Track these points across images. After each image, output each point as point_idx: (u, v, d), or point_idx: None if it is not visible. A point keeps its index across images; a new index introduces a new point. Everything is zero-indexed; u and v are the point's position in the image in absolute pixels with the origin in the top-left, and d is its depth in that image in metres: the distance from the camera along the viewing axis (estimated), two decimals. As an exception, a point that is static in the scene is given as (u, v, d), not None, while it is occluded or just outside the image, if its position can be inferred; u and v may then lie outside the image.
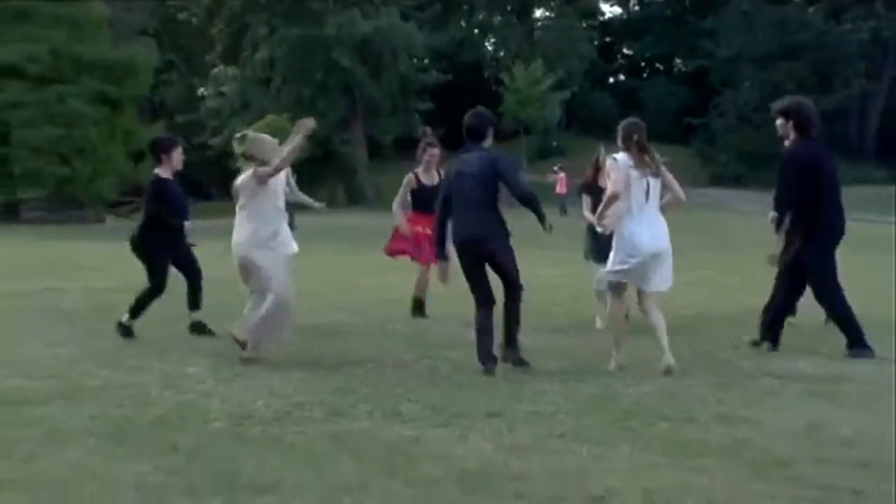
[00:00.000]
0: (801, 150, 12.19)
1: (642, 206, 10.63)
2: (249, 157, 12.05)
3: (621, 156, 10.70)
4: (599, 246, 13.84)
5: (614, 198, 10.50)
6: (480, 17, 76.82)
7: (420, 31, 62.28)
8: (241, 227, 11.75)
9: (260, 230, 11.60)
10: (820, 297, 12.22)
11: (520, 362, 11.00)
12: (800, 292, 12.59)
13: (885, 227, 37.65)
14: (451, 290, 12.88)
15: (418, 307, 15.69)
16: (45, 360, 11.67)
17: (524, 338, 11.73)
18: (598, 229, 11.68)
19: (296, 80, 58.98)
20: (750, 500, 6.36)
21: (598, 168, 15.01)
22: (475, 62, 69.47)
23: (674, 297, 14.07)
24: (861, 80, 64.09)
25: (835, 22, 64.77)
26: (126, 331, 13.42)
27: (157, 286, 13.57)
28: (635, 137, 10.59)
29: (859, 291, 14.11)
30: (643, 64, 79.24)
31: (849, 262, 14.68)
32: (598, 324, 13.87)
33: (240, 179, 12.03)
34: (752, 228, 30.12)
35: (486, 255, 11.05)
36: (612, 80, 75.02)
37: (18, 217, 50.30)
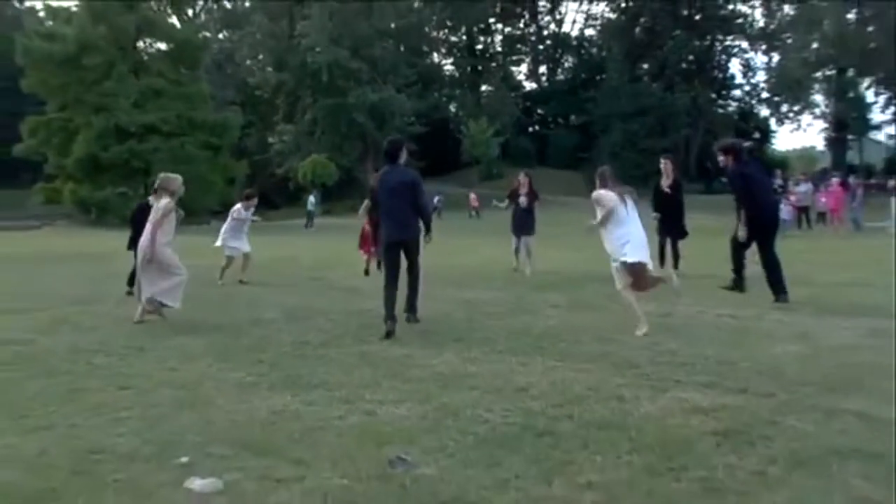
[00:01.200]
0: (741, 169, 13.24)
1: (627, 217, 11.14)
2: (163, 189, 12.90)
3: (605, 191, 11.15)
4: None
5: (611, 212, 10.89)
6: (446, 91, 78.76)
7: (408, 99, 64.65)
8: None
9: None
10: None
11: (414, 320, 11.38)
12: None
13: (697, 222, 37.91)
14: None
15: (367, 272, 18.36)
16: (176, 309, 12.25)
17: (474, 293, 13.09)
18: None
19: (329, 131, 61.76)
20: (613, 388, 7.32)
21: (518, 184, 17.93)
22: (443, 119, 71.48)
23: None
24: (686, 129, 67.18)
25: (670, 92, 67.82)
26: None
27: None
28: (608, 180, 11.32)
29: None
30: (550, 119, 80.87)
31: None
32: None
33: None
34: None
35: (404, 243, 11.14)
36: (530, 129, 76.48)
37: None
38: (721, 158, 13.64)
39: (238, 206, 18.75)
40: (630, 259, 10.74)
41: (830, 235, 29.92)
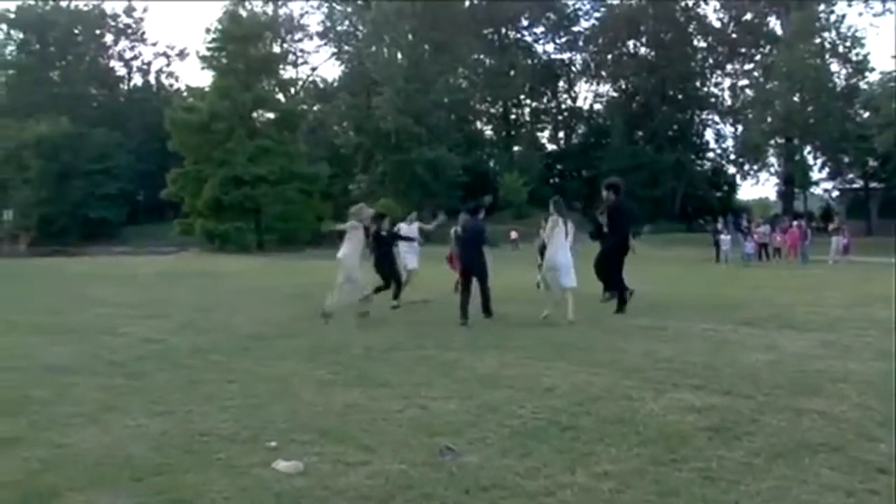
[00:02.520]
0: (621, 204, 13.53)
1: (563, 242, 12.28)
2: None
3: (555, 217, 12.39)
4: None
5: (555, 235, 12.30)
6: (486, 150, 78.69)
7: (457, 156, 64.68)
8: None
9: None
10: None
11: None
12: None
13: (679, 254, 38.11)
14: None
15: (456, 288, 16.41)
16: (275, 318, 12.43)
17: (510, 308, 12.47)
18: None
19: (396, 181, 61.77)
20: (623, 389, 6.87)
21: (542, 225, 16.99)
22: (484, 172, 71.32)
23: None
24: (672, 181, 66.62)
25: (659, 153, 67.57)
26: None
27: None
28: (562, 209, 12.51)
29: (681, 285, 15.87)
30: (566, 173, 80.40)
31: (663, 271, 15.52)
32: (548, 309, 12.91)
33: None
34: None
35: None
36: (550, 181, 76.00)
37: (263, 249, 53.16)
38: (605, 193, 13.71)
39: (402, 225, 16.58)
40: (564, 284, 12.22)
41: (785, 266, 29.21)
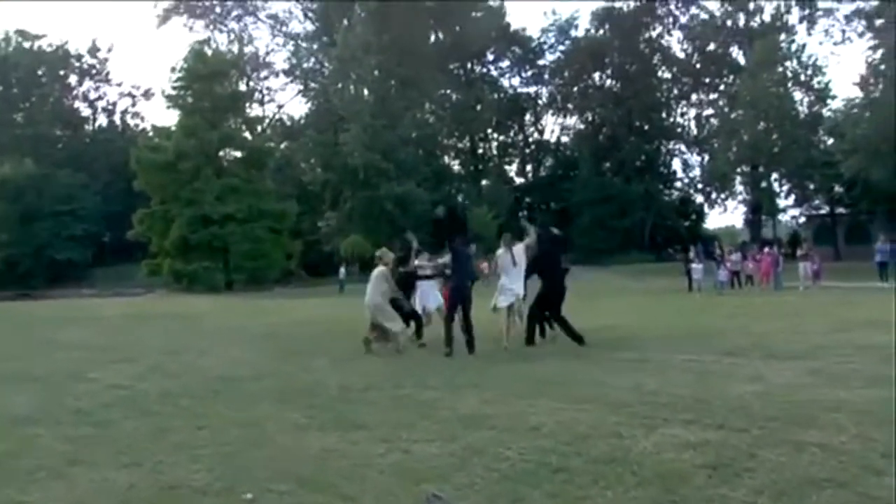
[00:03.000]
0: (546, 251, 13.61)
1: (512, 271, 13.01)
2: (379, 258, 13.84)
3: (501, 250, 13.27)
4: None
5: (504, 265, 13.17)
6: (455, 184, 78.60)
7: (426, 192, 64.64)
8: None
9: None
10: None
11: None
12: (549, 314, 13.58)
13: (650, 283, 38.10)
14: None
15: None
16: (245, 359, 11.83)
17: (484, 344, 12.21)
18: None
19: (365, 216, 61.41)
20: (611, 426, 6.60)
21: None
22: (452, 206, 71.23)
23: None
24: (641, 212, 67.05)
25: (627, 184, 68.22)
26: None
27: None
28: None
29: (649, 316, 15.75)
30: (535, 205, 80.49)
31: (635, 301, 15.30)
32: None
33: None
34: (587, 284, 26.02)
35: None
36: (519, 213, 76.03)
37: (232, 289, 52.86)
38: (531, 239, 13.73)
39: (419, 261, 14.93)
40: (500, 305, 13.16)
41: (758, 293, 29.19)
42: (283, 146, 75.12)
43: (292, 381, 10.05)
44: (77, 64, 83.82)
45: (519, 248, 13.29)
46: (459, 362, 11.41)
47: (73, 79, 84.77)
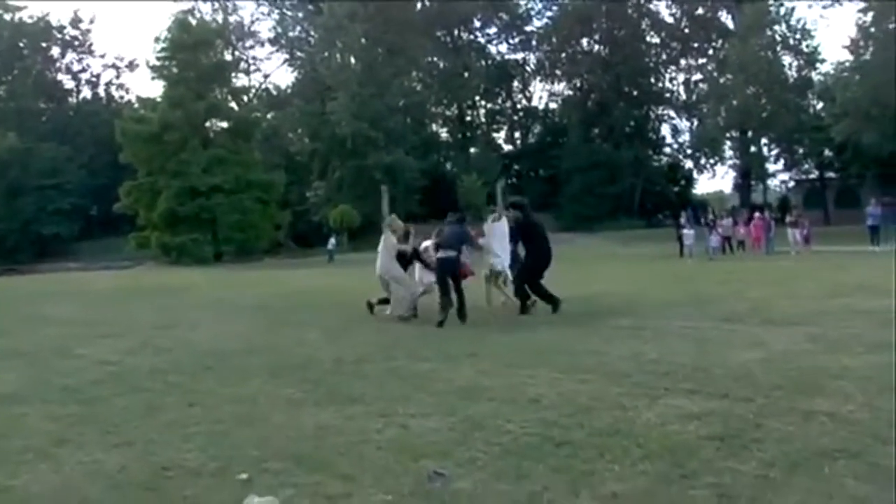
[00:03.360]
0: (528, 221, 13.68)
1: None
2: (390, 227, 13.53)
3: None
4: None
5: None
6: (443, 153, 78.45)
7: (414, 160, 64.34)
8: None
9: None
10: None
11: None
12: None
13: (640, 250, 38.12)
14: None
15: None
16: (236, 333, 11.62)
17: (479, 313, 12.03)
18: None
19: (353, 186, 60.95)
20: (613, 397, 6.44)
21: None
22: (442, 174, 71.07)
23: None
24: (630, 178, 66.64)
25: (617, 150, 67.85)
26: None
27: None
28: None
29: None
30: (524, 172, 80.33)
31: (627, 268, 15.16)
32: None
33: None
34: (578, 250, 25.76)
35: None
36: (508, 181, 75.82)
37: (221, 260, 52.72)
38: (511, 213, 13.68)
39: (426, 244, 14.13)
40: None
41: (751, 258, 29.12)
42: (269, 116, 74.54)
43: (285, 354, 9.87)
44: (59, 36, 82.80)
45: (504, 222, 13.50)
46: (452, 332, 11.25)
47: (55, 51, 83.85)
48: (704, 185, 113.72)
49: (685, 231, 31.63)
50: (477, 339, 10.36)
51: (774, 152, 64.97)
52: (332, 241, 49.42)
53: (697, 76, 73.16)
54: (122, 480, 4.88)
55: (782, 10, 59.16)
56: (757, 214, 35.28)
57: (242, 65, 77.33)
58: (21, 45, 79.93)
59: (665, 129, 77.24)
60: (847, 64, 48.64)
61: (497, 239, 13.40)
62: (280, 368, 8.77)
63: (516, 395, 6.73)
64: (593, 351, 8.98)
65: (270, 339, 11.45)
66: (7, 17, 78.81)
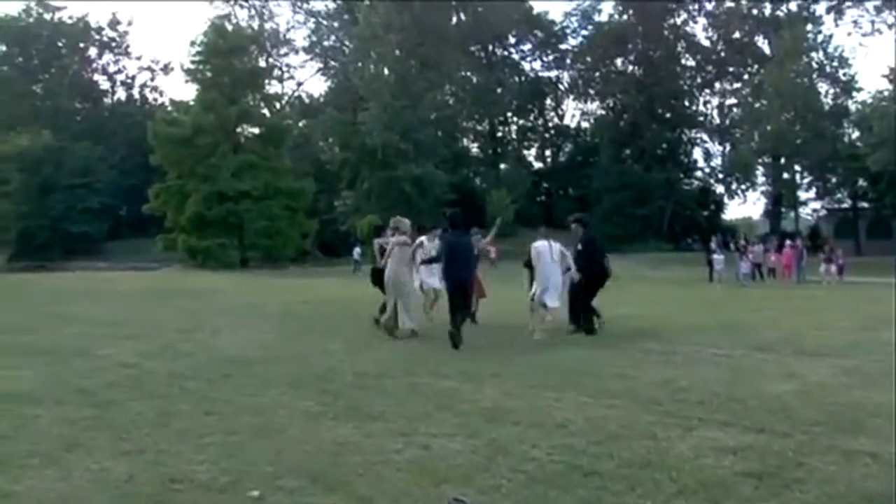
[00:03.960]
0: (590, 237, 13.63)
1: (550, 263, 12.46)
2: (395, 229, 13.02)
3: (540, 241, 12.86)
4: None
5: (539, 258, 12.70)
6: (473, 167, 78.44)
7: (444, 174, 64.25)
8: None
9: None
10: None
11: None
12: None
13: (669, 273, 37.88)
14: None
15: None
16: (259, 340, 11.94)
17: (502, 331, 11.88)
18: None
19: (382, 197, 60.75)
20: (644, 426, 6.21)
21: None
22: (471, 189, 70.86)
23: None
24: (660, 200, 65.73)
25: (647, 172, 67.01)
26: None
27: None
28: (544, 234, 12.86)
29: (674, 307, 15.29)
30: (553, 191, 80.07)
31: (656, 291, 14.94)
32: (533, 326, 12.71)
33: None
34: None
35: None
36: (537, 199, 75.57)
37: (247, 266, 52.77)
38: (573, 226, 13.80)
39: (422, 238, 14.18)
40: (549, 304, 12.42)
41: (782, 286, 28.67)
42: (301, 124, 74.74)
43: (306, 364, 9.68)
44: (97, 37, 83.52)
45: (558, 247, 13.03)
46: (475, 351, 10.94)
47: (92, 51, 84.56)
48: (734, 210, 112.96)
49: (715, 256, 31.19)
50: (501, 359, 10.09)
51: (807, 180, 64.21)
52: (357, 250, 49.28)
53: (732, 100, 72.53)
54: (129, 491, 4.68)
55: (820, 38, 58.80)
56: (788, 242, 34.82)
57: (276, 72, 77.61)
58: (60, 44, 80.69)
59: (697, 153, 76.56)
60: (885, 93, 48.07)
61: (551, 261, 12.94)
62: (300, 379, 8.58)
63: (542, 419, 6.47)
64: (621, 375, 8.70)
65: (292, 348, 11.26)
66: (47, 16, 79.60)
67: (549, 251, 12.73)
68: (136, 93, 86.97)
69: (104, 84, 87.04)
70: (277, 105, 71.73)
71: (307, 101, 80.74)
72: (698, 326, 13.92)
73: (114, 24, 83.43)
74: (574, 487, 4.67)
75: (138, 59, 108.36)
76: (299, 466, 5.15)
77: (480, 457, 5.36)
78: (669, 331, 13.15)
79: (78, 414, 6.77)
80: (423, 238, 13.87)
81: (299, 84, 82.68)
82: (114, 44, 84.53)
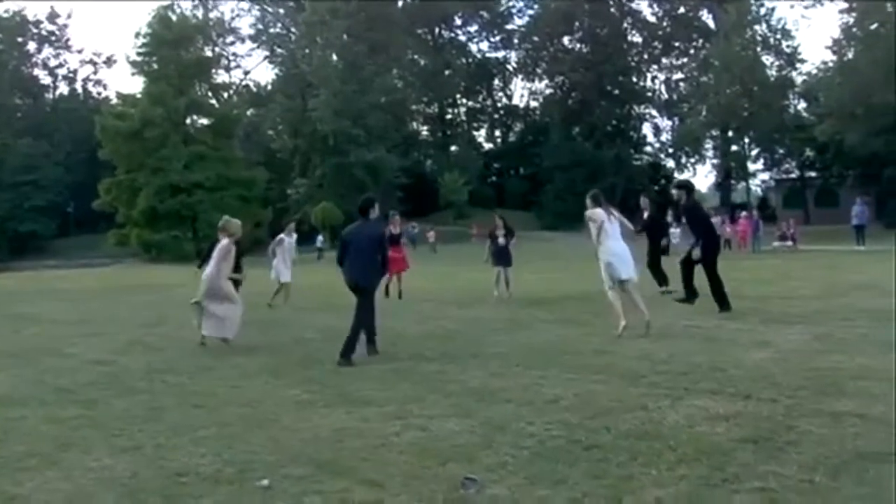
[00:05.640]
0: (695, 203, 12.74)
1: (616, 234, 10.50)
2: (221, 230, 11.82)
3: (598, 210, 10.45)
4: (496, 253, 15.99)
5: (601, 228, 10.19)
6: (425, 151, 78.59)
7: (395, 158, 64.18)
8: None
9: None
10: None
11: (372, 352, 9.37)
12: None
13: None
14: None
15: (387, 293, 16.36)
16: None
17: (473, 312, 11.98)
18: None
19: (335, 184, 60.60)
20: (634, 398, 6.26)
21: (494, 226, 16.58)
22: (422, 173, 71.04)
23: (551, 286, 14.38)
24: (612, 177, 65.35)
25: (598, 149, 68.01)
26: None
27: None
28: (602, 200, 10.69)
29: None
30: (505, 171, 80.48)
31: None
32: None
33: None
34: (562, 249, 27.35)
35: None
36: (489, 180, 75.91)
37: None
38: (675, 192, 13.07)
39: (282, 235, 17.37)
40: (622, 276, 10.24)
41: (739, 256, 29.06)
42: (250, 113, 74.22)
43: (283, 353, 9.69)
44: (35, 31, 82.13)
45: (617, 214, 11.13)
46: (451, 333, 11.03)
47: (31, 46, 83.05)
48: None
49: (672, 229, 31.50)
50: (476, 340, 10.17)
51: (755, 152, 65.17)
52: (320, 238, 49.09)
53: (679, 75, 73.71)
54: (136, 487, 4.65)
55: (763, 10, 59.49)
56: (744, 213, 35.38)
57: (223, 61, 77.17)
58: (-4, 39, 79.13)
59: (646, 128, 77.65)
60: (830, 64, 48.88)
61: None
62: (281, 368, 8.59)
63: (533, 397, 6.54)
64: (600, 351, 8.83)
65: (266, 339, 11.24)
66: (-19, 11, 77.99)
67: (607, 218, 10.60)
68: (79, 87, 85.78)
69: (45, 79, 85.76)
70: (226, 95, 71.34)
71: (255, 89, 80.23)
72: (665, 300, 14.03)
73: (52, 17, 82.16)
74: (578, 461, 4.74)
75: (79, 52, 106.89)
76: (301, 454, 5.16)
77: (479, 436, 5.41)
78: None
79: (64, 413, 6.68)
80: (282, 236, 15.10)
81: (246, 73, 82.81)
82: (53, 37, 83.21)
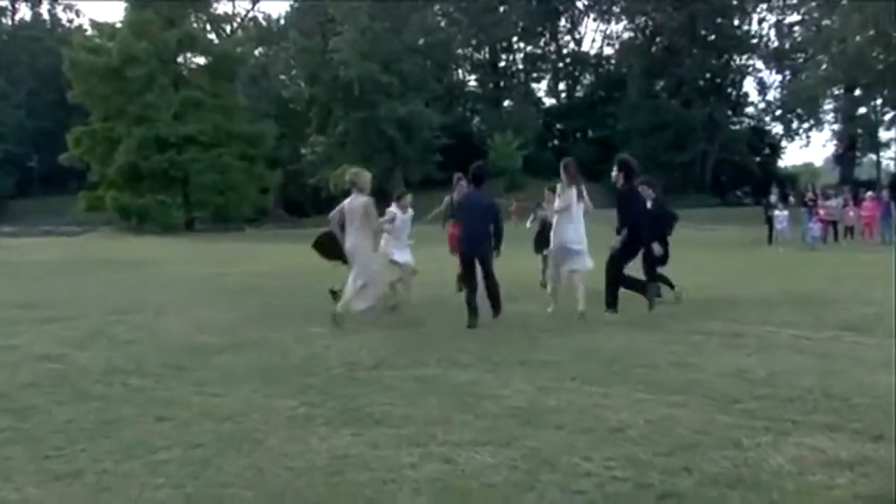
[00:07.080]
0: (633, 189, 13.05)
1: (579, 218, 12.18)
2: (353, 184, 12.05)
3: (572, 191, 12.06)
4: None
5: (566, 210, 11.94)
6: (471, 105, 78.43)
7: (435, 113, 64.08)
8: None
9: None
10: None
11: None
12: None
13: (717, 233, 38.32)
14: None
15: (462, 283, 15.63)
16: (217, 322, 11.97)
17: (523, 305, 12.15)
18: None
19: (360, 143, 60.84)
20: (723, 430, 6.03)
21: (544, 200, 16.16)
22: (467, 132, 70.93)
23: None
24: (703, 143, 65.81)
25: (686, 108, 66.94)
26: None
27: None
28: (575, 169, 12.17)
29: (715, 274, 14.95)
30: (569, 133, 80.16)
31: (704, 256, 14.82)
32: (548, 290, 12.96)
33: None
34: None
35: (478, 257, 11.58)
36: (550, 143, 75.57)
37: (193, 228, 53.94)
38: (614, 173, 13.27)
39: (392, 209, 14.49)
40: (573, 267, 12.35)
41: (862, 249, 28.51)
42: (257, 52, 74.52)
43: (280, 353, 9.55)
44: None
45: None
46: (494, 332, 10.81)
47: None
48: (793, 155, 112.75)
49: (777, 213, 31.08)
50: (527, 342, 9.98)
51: (889, 116, 63.82)
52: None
53: (794, 17, 71.97)
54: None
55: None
56: (869, 194, 34.72)
57: (225, -13, 77.33)
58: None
59: (749, 84, 76.74)
60: None
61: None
62: (275, 372, 8.44)
63: (592, 423, 6.27)
64: (680, 364, 8.56)
65: (260, 332, 11.10)
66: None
67: (574, 198, 12.50)
68: (44, 11, 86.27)
69: (2, 1, 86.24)
70: (228, 29, 71.52)
71: (265, 23, 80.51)
72: (765, 300, 13.83)
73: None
74: (649, 515, 4.45)
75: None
76: (287, 489, 4.94)
77: (520, 473, 5.16)
78: (730, 306, 13.11)
79: (-12, 425, 6.53)
80: (392, 209, 13.75)
81: (254, 3, 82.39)
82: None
